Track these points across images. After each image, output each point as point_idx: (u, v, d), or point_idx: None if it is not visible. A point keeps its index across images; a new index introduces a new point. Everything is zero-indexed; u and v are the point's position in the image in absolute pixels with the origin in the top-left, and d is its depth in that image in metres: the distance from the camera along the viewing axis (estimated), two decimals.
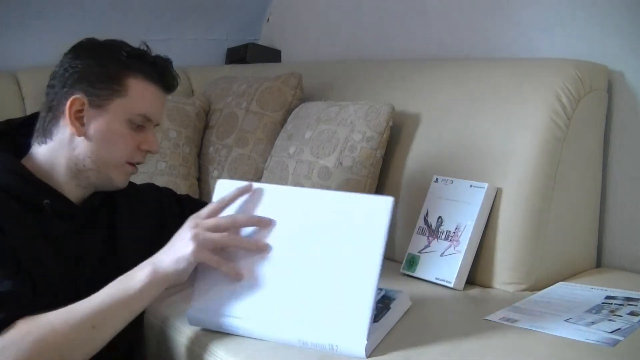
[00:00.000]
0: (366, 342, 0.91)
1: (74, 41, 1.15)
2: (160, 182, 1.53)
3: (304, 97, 1.85)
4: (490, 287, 1.29)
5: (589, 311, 1.09)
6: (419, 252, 1.34)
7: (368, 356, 0.92)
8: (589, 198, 1.39)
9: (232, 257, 1.01)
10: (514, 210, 1.27)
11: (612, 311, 1.08)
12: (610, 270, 1.39)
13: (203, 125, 1.96)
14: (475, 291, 1.26)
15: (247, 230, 1.02)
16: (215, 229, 0.98)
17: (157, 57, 1.15)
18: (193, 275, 1.04)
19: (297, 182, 1.55)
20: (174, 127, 1.88)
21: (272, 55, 2.52)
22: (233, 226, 0.99)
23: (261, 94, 1.86)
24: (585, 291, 1.20)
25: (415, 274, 1.32)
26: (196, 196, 1.82)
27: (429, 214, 1.35)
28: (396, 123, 1.52)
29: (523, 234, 1.26)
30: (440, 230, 1.32)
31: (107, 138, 1.10)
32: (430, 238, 1.33)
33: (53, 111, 1.10)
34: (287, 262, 0.99)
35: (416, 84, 1.61)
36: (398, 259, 1.46)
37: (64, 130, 1.10)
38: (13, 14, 2.13)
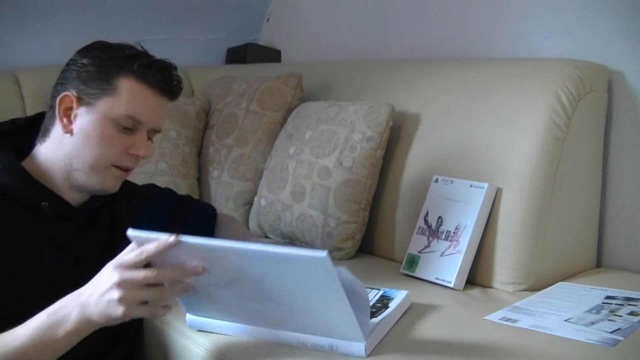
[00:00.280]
0: (365, 341, 0.91)
1: (74, 41, 1.15)
2: (160, 182, 1.53)
3: (304, 97, 1.85)
4: (490, 287, 1.29)
5: (589, 311, 1.09)
6: (419, 252, 1.34)
7: (367, 355, 0.92)
8: (589, 198, 1.39)
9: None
10: (514, 210, 1.27)
11: (612, 311, 1.08)
12: (610, 270, 1.39)
13: (203, 125, 1.95)
14: (475, 291, 1.26)
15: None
16: (142, 285, 0.89)
17: (157, 60, 1.12)
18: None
19: (297, 182, 1.55)
20: (174, 127, 1.88)
21: (272, 55, 2.52)
22: (161, 282, 0.90)
23: (261, 94, 1.86)
24: (585, 291, 1.20)
25: (415, 274, 1.32)
26: (196, 196, 1.82)
27: (429, 214, 1.35)
28: (396, 123, 1.52)
29: (523, 234, 1.26)
30: (440, 230, 1.32)
31: (91, 137, 1.07)
32: (430, 238, 1.33)
33: (52, 110, 1.10)
34: (264, 286, 0.90)
35: (416, 84, 1.61)
36: (398, 259, 1.46)
37: (57, 128, 1.09)
38: (13, 14, 2.13)
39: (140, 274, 0.89)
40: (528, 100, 1.33)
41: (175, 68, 1.14)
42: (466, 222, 1.28)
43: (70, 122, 1.07)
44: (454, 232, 1.29)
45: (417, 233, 1.36)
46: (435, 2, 1.86)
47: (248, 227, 1.71)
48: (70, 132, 1.07)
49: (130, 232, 0.92)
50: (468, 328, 1.04)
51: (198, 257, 0.90)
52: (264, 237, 1.68)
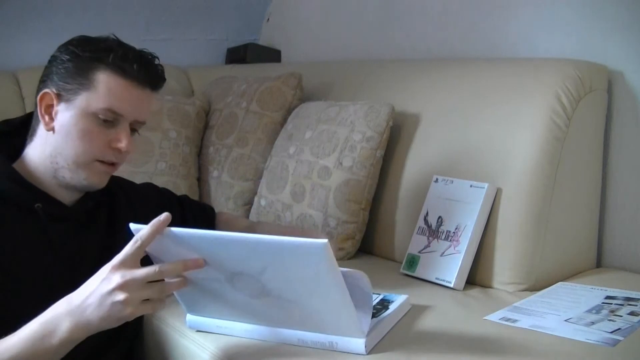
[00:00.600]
0: (365, 337, 0.91)
1: None
2: (160, 182, 1.53)
3: (304, 97, 1.85)
4: (490, 287, 1.29)
5: (589, 311, 1.09)
6: (419, 252, 1.34)
7: (367, 353, 0.92)
8: (589, 198, 1.39)
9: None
10: (514, 210, 1.27)
11: (612, 311, 1.08)
12: (610, 270, 1.39)
13: (203, 125, 1.96)
14: (475, 291, 1.26)
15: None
16: (145, 284, 0.88)
17: (134, 50, 1.09)
18: None
19: (297, 182, 1.55)
20: (174, 127, 1.88)
21: (272, 55, 2.52)
22: (161, 278, 0.90)
23: (261, 94, 1.86)
24: (585, 291, 1.20)
25: (415, 274, 1.32)
26: (196, 196, 1.82)
27: (429, 214, 1.35)
28: (396, 123, 1.52)
29: (523, 234, 1.26)
30: (440, 230, 1.32)
31: (72, 133, 1.06)
32: (430, 238, 1.33)
33: (36, 108, 1.09)
34: (263, 281, 0.91)
35: (416, 84, 1.61)
36: (398, 259, 1.46)
37: (41, 126, 1.09)
38: (13, 14, 2.14)
39: (142, 272, 0.88)
40: (528, 100, 1.33)
41: (155, 57, 1.12)
42: (466, 222, 1.28)
43: (51, 119, 1.07)
44: (454, 232, 1.29)
45: (417, 233, 1.36)
46: (436, 2, 1.86)
47: None
48: (52, 129, 1.07)
49: (132, 226, 0.92)
50: (468, 328, 1.04)
51: (198, 251, 0.89)
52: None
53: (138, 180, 1.35)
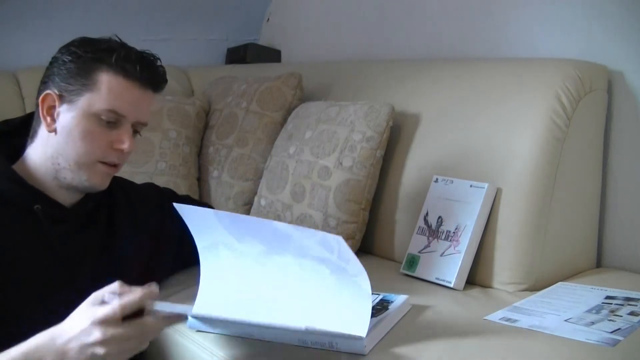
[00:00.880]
0: (365, 337, 0.91)
1: None
2: (160, 182, 1.53)
3: (304, 97, 1.85)
4: (490, 287, 1.29)
5: (589, 311, 1.09)
6: (419, 252, 1.34)
7: (367, 353, 0.92)
8: (589, 198, 1.39)
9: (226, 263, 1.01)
10: (514, 210, 1.27)
11: (612, 311, 1.08)
12: (610, 270, 1.39)
13: (203, 125, 1.96)
14: (475, 291, 1.26)
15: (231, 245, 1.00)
16: (124, 338, 0.86)
17: (136, 51, 1.09)
18: (195, 276, 1.04)
19: (297, 182, 1.55)
20: (174, 127, 1.88)
21: (272, 55, 2.52)
22: (146, 335, 0.89)
23: (261, 94, 1.86)
24: (585, 291, 1.20)
25: (415, 274, 1.32)
26: (196, 196, 1.82)
27: (429, 214, 1.35)
28: (396, 123, 1.52)
29: (523, 234, 1.26)
30: (440, 230, 1.32)
31: (74, 134, 1.06)
32: (430, 238, 1.33)
33: (37, 109, 1.09)
34: (275, 268, 0.97)
35: (416, 84, 1.61)
36: (398, 259, 1.46)
37: (43, 127, 1.08)
38: (13, 14, 2.14)
39: (124, 332, 0.85)
40: (528, 100, 1.33)
41: (157, 59, 1.11)
42: (466, 222, 1.28)
43: (53, 120, 1.07)
44: (454, 232, 1.29)
45: (417, 233, 1.36)
46: (435, 2, 1.86)
47: None
48: (54, 130, 1.07)
49: (177, 206, 0.98)
50: (468, 328, 1.04)
51: (235, 225, 0.97)
52: None
53: (138, 180, 1.36)
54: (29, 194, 1.06)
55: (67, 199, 1.10)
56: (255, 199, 1.70)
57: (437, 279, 1.28)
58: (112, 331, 0.85)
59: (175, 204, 0.98)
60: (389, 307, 1.06)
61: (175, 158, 1.84)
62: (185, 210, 0.99)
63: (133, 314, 0.87)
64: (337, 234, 1.44)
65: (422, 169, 1.46)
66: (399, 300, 1.09)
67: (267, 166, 1.70)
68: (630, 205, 1.40)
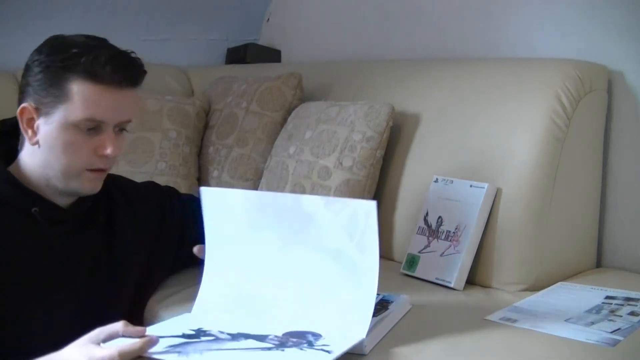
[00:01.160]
0: (365, 337, 0.91)
1: None
2: (160, 182, 1.52)
3: (304, 97, 1.85)
4: (490, 287, 1.29)
5: (589, 311, 1.09)
6: (419, 252, 1.34)
7: (367, 353, 0.92)
8: (589, 198, 1.39)
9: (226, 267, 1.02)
10: (514, 210, 1.27)
11: (612, 311, 1.08)
12: (610, 270, 1.39)
13: (203, 125, 1.96)
14: (475, 291, 1.26)
15: (238, 237, 1.02)
16: None
17: (104, 51, 1.03)
18: (196, 277, 1.04)
19: (297, 182, 1.55)
20: (174, 127, 1.88)
21: (272, 55, 2.52)
22: None
23: (261, 94, 1.86)
24: (585, 291, 1.20)
25: (415, 274, 1.32)
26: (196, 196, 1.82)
27: (429, 214, 1.35)
28: (396, 123, 1.52)
29: (523, 234, 1.26)
30: (440, 230, 1.32)
31: (56, 146, 1.03)
32: (430, 238, 1.33)
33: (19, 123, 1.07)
34: (285, 265, 0.99)
35: (416, 84, 1.61)
36: (398, 259, 1.46)
37: (27, 139, 1.06)
38: (13, 13, 2.13)
39: None
40: (528, 100, 1.33)
41: (130, 52, 1.06)
42: (466, 222, 1.28)
43: (34, 133, 1.04)
44: (454, 232, 1.29)
45: (417, 233, 1.36)
46: (435, 2, 1.86)
47: None
48: (37, 143, 1.04)
49: (203, 189, 1.02)
50: (468, 328, 1.04)
51: (260, 207, 1.01)
52: None
53: (138, 179, 1.35)
54: (25, 196, 1.06)
55: (63, 200, 1.10)
56: None
57: (437, 279, 1.28)
58: None
59: (203, 188, 1.00)
60: (389, 307, 1.06)
61: (175, 158, 1.84)
62: (209, 194, 1.01)
63: None
64: None
65: (422, 169, 1.46)
66: (399, 300, 1.09)
67: (267, 166, 1.70)
68: (630, 205, 1.40)
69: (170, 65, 2.34)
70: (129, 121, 1.09)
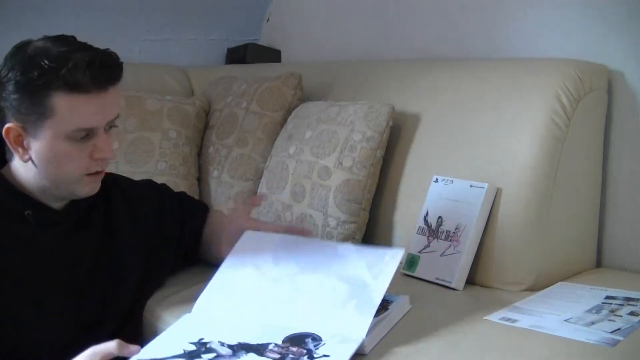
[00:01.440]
0: (365, 337, 0.91)
1: None
2: (160, 182, 1.52)
3: (304, 97, 1.85)
4: (490, 287, 1.29)
5: (589, 311, 1.09)
6: (419, 252, 1.34)
7: (367, 353, 0.92)
8: (589, 198, 1.39)
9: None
10: (514, 210, 1.27)
11: (612, 311, 1.08)
12: (610, 270, 1.39)
13: (203, 125, 1.96)
14: (475, 291, 1.26)
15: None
16: None
17: (79, 58, 0.99)
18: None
19: (297, 182, 1.55)
20: (174, 127, 1.88)
21: (272, 55, 2.51)
22: None
23: (261, 94, 1.86)
24: (585, 291, 1.20)
25: (415, 274, 1.32)
26: (196, 196, 1.82)
27: (429, 214, 1.35)
28: (396, 123, 1.52)
29: (523, 234, 1.26)
30: (440, 230, 1.32)
31: (50, 160, 1.02)
32: (430, 238, 1.33)
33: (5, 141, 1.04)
34: (296, 282, 1.04)
35: (416, 84, 1.61)
36: None
37: (16, 156, 1.04)
38: (13, 13, 2.13)
39: None
40: (528, 100, 1.33)
41: (104, 50, 1.03)
42: (466, 222, 1.28)
43: (25, 150, 1.03)
44: (454, 232, 1.29)
45: (417, 233, 1.36)
46: (435, 2, 1.86)
47: None
48: (29, 160, 1.03)
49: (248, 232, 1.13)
50: (468, 328, 1.04)
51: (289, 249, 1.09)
52: None
53: (138, 179, 1.35)
54: (18, 200, 1.05)
55: (57, 203, 1.09)
56: None
57: (437, 279, 1.28)
58: None
59: (246, 231, 1.09)
60: (389, 307, 1.06)
61: (175, 158, 1.84)
62: (250, 236, 1.10)
63: None
64: (337, 234, 1.46)
65: (422, 169, 1.46)
66: (399, 300, 1.09)
67: (267, 166, 1.70)
68: (630, 205, 1.40)
69: (170, 65, 2.34)
70: (117, 117, 1.08)
